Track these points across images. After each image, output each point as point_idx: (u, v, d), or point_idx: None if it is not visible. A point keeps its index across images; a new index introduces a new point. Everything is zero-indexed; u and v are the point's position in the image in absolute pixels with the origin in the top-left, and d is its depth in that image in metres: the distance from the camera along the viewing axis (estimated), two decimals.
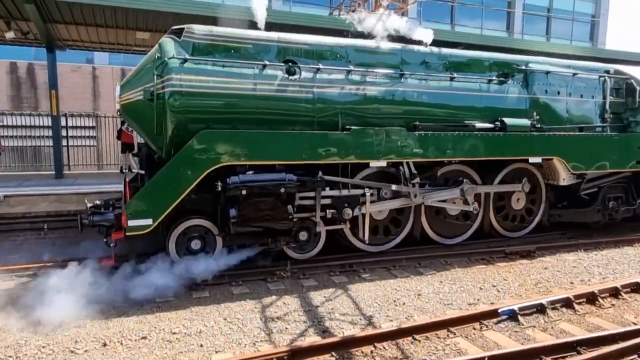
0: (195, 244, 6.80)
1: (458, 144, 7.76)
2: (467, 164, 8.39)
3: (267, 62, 6.81)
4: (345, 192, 7.32)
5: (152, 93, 6.32)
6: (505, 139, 8.10)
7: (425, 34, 8.38)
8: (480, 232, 8.86)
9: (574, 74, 9.16)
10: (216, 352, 4.76)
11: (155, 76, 6.33)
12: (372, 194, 7.52)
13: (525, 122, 8.40)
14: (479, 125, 8.08)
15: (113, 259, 6.49)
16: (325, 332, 5.21)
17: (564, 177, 8.95)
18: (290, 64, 7.02)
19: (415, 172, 7.70)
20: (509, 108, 8.49)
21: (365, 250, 7.86)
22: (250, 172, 6.60)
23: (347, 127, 7.16)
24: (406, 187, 7.65)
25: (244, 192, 6.45)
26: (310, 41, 7.33)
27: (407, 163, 7.64)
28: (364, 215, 7.46)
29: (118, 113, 6.93)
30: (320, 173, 7.02)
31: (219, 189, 6.47)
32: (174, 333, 5.13)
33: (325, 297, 6.21)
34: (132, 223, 6.07)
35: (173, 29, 6.86)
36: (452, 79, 8.06)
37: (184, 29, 6.73)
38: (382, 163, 7.42)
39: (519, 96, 8.64)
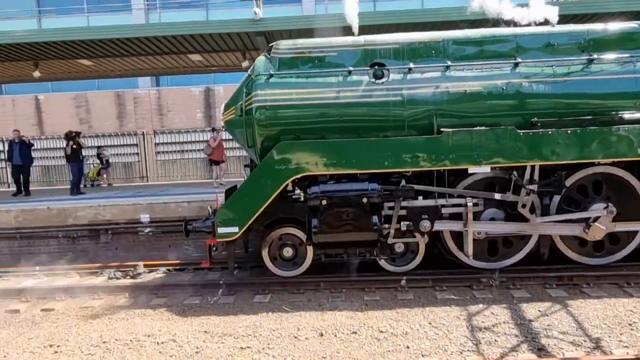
0: (287, 252, 7.05)
1: (592, 142, 6.32)
2: (621, 165, 6.77)
3: (351, 68, 6.64)
4: (422, 202, 6.65)
5: (242, 109, 6.77)
6: None
7: (548, 11, 7.00)
8: None
9: None
10: (422, 355, 4.79)
11: (244, 93, 6.78)
12: (476, 204, 6.67)
13: None
14: (628, 116, 6.43)
15: (208, 261, 7.20)
16: (541, 350, 4.83)
17: None
18: (377, 67, 6.70)
19: (536, 178, 6.54)
20: None
21: (475, 267, 7.00)
22: (331, 182, 6.56)
23: (443, 129, 6.50)
24: (513, 197, 6.58)
25: (324, 202, 6.45)
26: (401, 40, 6.86)
27: (532, 167, 6.54)
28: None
29: (223, 128, 7.56)
30: (403, 181, 6.56)
31: (302, 198, 6.57)
32: (382, 331, 5.34)
33: (539, 311, 5.75)
34: (221, 230, 6.61)
35: (269, 46, 7.21)
36: (590, 61, 6.59)
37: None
38: (485, 169, 6.52)
39: None
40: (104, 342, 5.40)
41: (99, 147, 19.70)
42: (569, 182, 6.76)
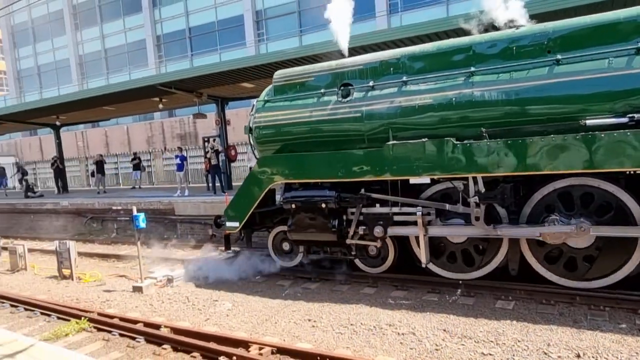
0: (285, 246, 8.34)
1: (528, 153, 5.79)
2: (604, 176, 5.90)
3: (322, 90, 7.48)
4: (377, 209, 7.05)
5: (249, 129, 8.34)
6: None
7: (513, 10, 6.36)
8: None
9: None
10: None
11: (250, 116, 8.34)
12: (429, 214, 6.74)
13: None
14: (592, 122, 5.62)
15: (225, 248, 8.97)
16: None
17: None
18: (343, 87, 7.35)
19: (482, 190, 6.30)
20: None
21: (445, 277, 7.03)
22: (300, 189, 7.62)
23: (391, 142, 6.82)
24: (464, 208, 6.42)
25: (293, 205, 7.56)
26: (364, 60, 7.30)
27: (474, 179, 6.35)
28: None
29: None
30: (362, 190, 7.10)
31: (282, 202, 7.79)
32: None
33: None
34: (228, 224, 8.33)
35: None
36: (557, 62, 5.90)
37: None
38: (425, 180, 6.57)
39: None
40: (351, 325, 5.92)
41: None
42: (544, 192, 6.26)
